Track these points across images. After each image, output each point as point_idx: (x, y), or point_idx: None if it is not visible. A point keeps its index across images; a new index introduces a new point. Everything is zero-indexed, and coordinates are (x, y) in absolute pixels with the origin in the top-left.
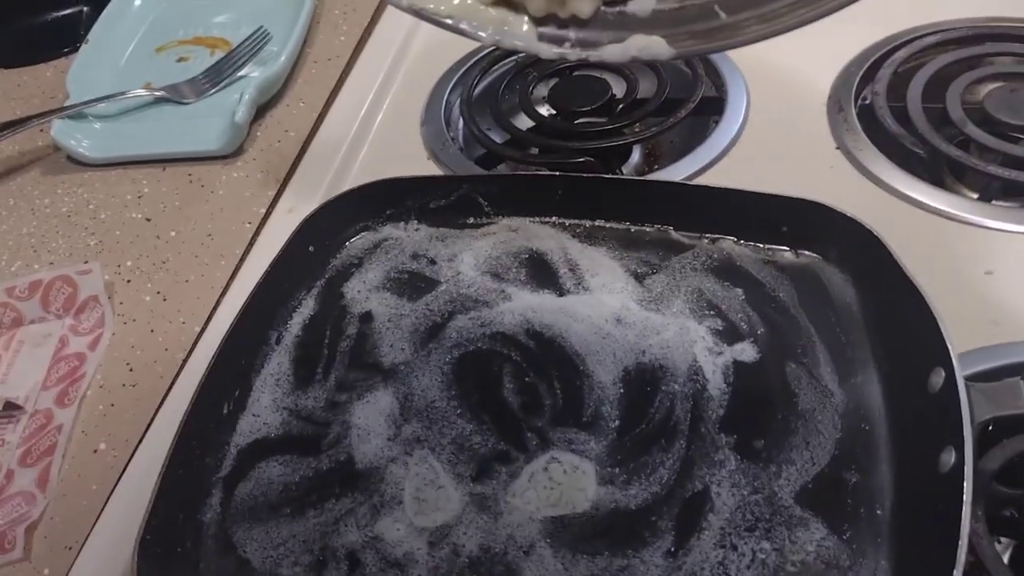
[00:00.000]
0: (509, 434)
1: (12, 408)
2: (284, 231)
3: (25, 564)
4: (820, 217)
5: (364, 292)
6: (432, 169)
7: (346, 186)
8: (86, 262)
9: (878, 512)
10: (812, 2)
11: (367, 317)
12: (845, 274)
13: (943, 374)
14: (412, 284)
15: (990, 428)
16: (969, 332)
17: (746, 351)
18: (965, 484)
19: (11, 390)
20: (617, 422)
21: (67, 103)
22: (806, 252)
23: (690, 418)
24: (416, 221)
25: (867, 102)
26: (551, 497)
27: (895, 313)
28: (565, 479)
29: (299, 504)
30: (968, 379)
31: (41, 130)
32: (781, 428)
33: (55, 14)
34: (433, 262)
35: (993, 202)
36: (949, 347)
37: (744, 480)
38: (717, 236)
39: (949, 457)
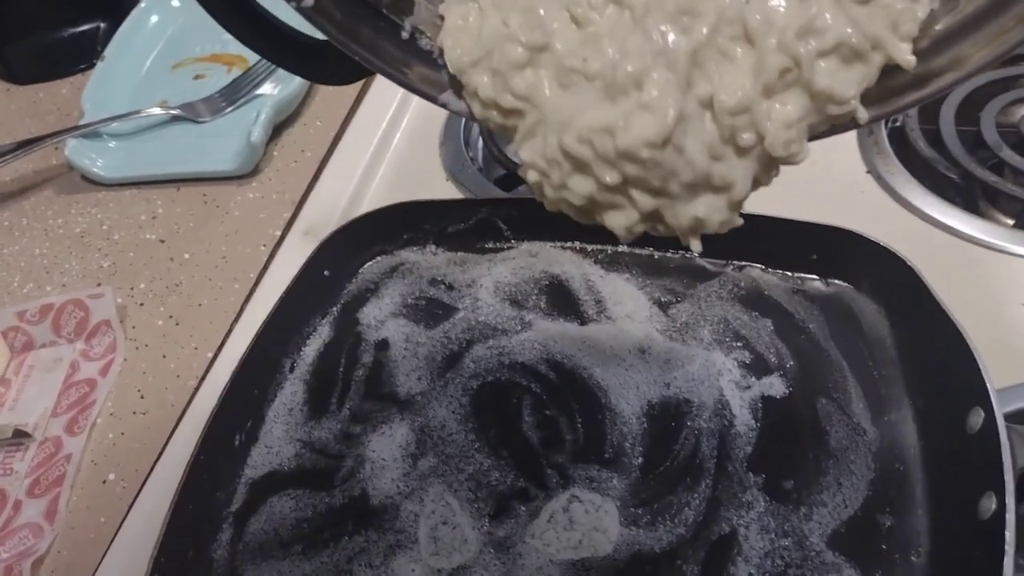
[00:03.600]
0: (528, 470)
1: (21, 435)
2: (299, 254)
3: None
4: (851, 245)
5: (380, 319)
6: (451, 190)
7: (363, 207)
8: (99, 284)
9: (913, 558)
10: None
11: (383, 345)
12: (878, 305)
13: (982, 414)
14: (429, 311)
15: None
16: (1008, 367)
17: (775, 385)
18: (1007, 533)
19: (20, 416)
20: (640, 459)
21: (82, 121)
22: (836, 281)
23: (716, 456)
24: (434, 245)
25: (898, 124)
26: (572, 539)
27: (930, 347)
28: (586, 519)
29: (311, 542)
30: (1008, 416)
31: (56, 148)
32: (811, 468)
33: (71, 30)
34: (451, 288)
35: None
36: (988, 386)
37: (773, 523)
38: (744, 263)
39: (989, 503)
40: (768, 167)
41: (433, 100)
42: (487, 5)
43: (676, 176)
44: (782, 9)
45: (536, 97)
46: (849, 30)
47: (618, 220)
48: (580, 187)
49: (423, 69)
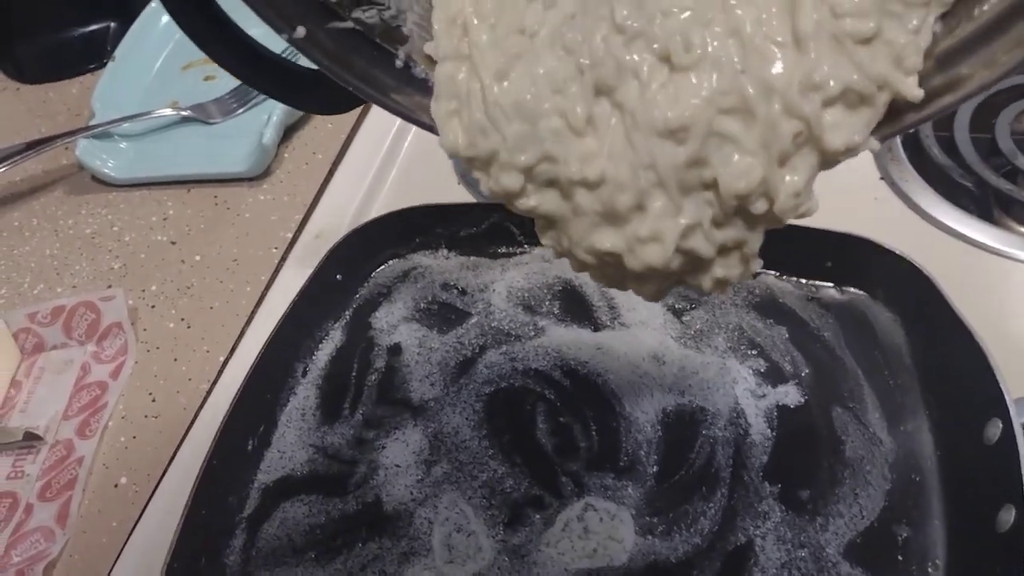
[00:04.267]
0: (543, 478)
1: (32, 438)
2: (311, 257)
3: None
4: (867, 253)
5: (393, 323)
6: (462, 193)
7: (375, 210)
8: (109, 286)
9: (930, 570)
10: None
11: (396, 350)
12: (893, 313)
13: (1000, 425)
14: (442, 315)
15: None
16: None
17: (790, 394)
18: None
19: (32, 419)
20: (655, 468)
21: (92, 121)
22: (851, 289)
23: (732, 465)
24: (446, 249)
25: (912, 131)
26: (587, 548)
27: (946, 357)
28: (601, 528)
29: (325, 548)
30: None
31: (66, 148)
32: (827, 478)
33: (82, 30)
34: (464, 292)
35: None
36: (1006, 396)
37: (789, 533)
38: (758, 271)
39: (1008, 516)
40: (778, 224)
41: (430, 129)
42: (476, 93)
43: (689, 265)
44: (779, 68)
45: (540, 210)
46: (855, 76)
47: (643, 291)
48: (598, 276)
49: (419, 98)
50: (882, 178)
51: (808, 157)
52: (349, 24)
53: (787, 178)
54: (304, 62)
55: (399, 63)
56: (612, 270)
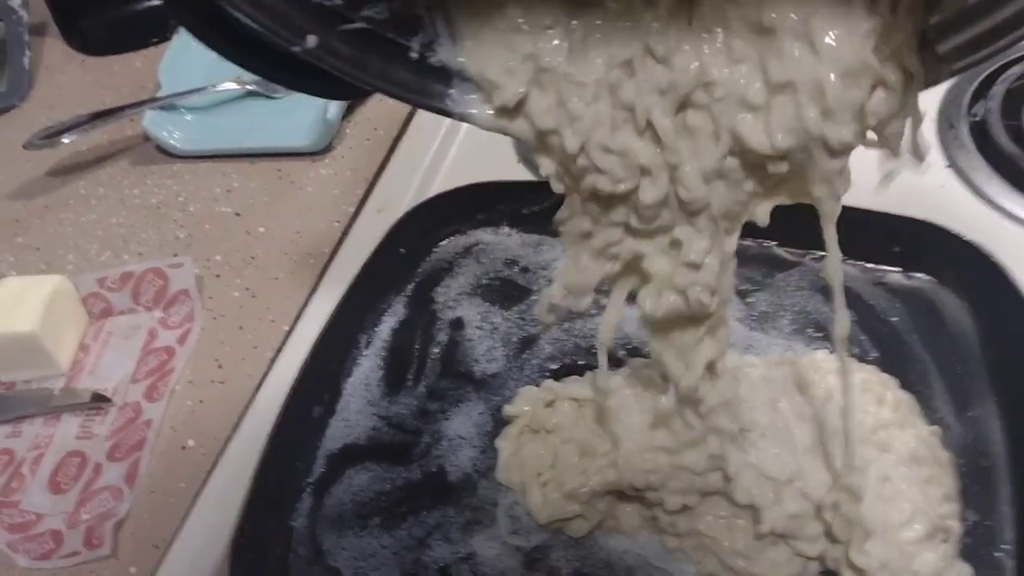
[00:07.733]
0: None
1: (100, 400)
2: (373, 231)
3: (112, 561)
4: (935, 239)
5: (455, 298)
6: (523, 172)
7: (436, 187)
8: (176, 255)
9: (998, 556)
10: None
11: (458, 324)
12: (961, 300)
13: None
14: (504, 291)
15: None
16: None
17: None
18: None
19: (100, 381)
20: None
21: (159, 94)
22: (919, 275)
23: None
24: (508, 227)
25: (978, 119)
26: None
27: (1016, 344)
28: None
29: (389, 514)
30: None
31: (131, 120)
32: None
33: (147, 3)
34: (526, 270)
35: None
36: None
37: None
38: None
39: None
40: None
41: (449, 114)
42: None
43: None
44: None
45: None
46: None
47: None
48: None
49: (437, 87)
50: (949, 166)
51: None
52: (359, 24)
53: None
54: None
55: (414, 55)
56: None
